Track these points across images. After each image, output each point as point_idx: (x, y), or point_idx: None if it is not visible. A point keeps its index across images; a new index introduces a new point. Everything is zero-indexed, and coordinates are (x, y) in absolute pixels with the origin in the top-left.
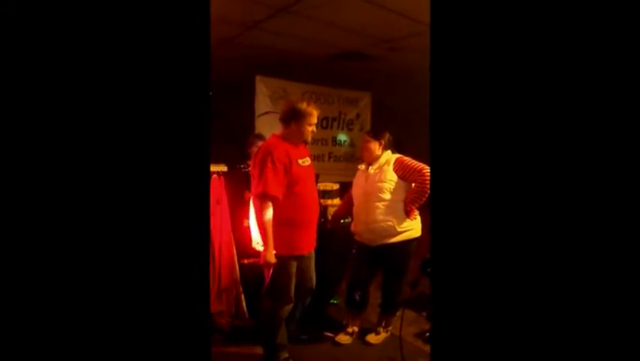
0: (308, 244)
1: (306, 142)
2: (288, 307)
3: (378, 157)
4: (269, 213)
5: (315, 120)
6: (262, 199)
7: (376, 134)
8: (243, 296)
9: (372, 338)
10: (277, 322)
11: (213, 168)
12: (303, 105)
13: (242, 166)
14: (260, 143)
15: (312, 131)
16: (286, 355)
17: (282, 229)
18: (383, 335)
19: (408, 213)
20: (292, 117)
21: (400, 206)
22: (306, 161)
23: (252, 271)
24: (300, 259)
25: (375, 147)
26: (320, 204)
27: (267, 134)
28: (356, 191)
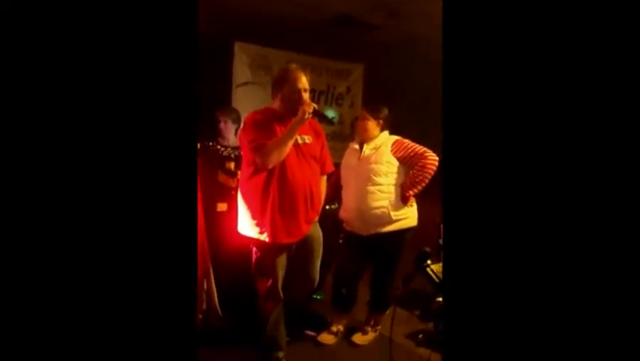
0: (290, 232)
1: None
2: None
3: (374, 137)
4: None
5: (301, 85)
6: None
7: (375, 111)
8: (215, 291)
9: (358, 338)
10: (264, 322)
11: None
12: (283, 69)
13: (211, 144)
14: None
15: (304, 99)
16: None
17: (259, 209)
18: (371, 335)
19: (405, 200)
20: (274, 87)
21: (396, 191)
22: (306, 138)
23: (230, 261)
24: (282, 248)
25: (373, 125)
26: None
27: (246, 107)
28: (346, 173)
